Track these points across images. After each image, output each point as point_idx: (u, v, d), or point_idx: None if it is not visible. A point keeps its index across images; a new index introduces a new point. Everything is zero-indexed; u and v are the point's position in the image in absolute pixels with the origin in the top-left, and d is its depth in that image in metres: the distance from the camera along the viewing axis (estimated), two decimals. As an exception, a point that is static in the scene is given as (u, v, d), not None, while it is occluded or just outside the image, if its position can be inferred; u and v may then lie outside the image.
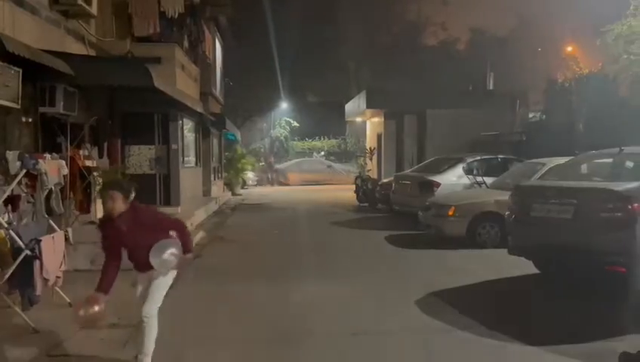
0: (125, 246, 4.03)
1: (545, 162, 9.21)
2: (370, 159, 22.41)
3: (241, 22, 22.97)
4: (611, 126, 11.10)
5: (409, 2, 34.57)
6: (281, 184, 27.25)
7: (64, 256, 5.64)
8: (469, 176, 11.19)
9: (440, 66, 30.04)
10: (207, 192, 16.76)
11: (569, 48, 25.86)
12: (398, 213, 12.88)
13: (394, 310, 5.73)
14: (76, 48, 9.17)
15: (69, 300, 5.56)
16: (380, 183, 15.90)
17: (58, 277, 5.45)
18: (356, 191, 16.95)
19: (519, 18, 33.90)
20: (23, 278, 5.02)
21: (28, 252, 5.00)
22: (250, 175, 25.81)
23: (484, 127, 16.96)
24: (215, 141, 19.08)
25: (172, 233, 4.13)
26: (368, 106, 19.99)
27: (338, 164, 29.10)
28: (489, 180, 10.64)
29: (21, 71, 6.49)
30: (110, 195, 3.93)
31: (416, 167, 14.77)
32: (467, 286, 6.69)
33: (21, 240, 5.07)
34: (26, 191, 5.89)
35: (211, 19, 17.92)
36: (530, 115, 19.72)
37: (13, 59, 6.22)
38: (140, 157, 12.40)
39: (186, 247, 4.09)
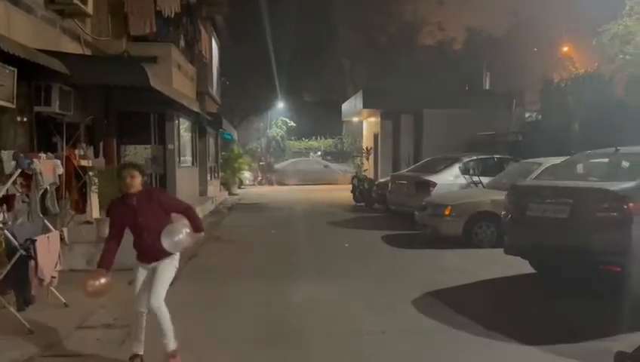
0: (135, 225, 4.11)
1: (541, 162, 9.25)
2: (367, 159, 22.43)
3: (238, 21, 22.95)
4: (607, 126, 11.12)
5: (405, 2, 34.52)
6: (278, 184, 27.25)
7: (59, 255, 5.62)
8: (466, 176, 11.23)
9: (436, 66, 30.02)
10: (203, 192, 16.72)
11: (565, 48, 26.00)
12: (394, 212, 12.90)
13: (390, 309, 5.73)
14: (72, 47, 9.15)
15: (64, 300, 5.55)
16: (376, 183, 15.93)
17: (53, 277, 5.42)
18: (353, 191, 16.98)
19: (515, 18, 33.98)
20: (18, 278, 5.00)
21: (23, 252, 4.98)
22: (246, 174, 25.81)
23: (480, 127, 16.99)
24: (211, 141, 19.06)
25: (179, 216, 4.25)
26: (365, 106, 20.01)
27: (335, 164, 29.14)
28: (485, 180, 10.67)
29: (16, 70, 6.47)
30: (130, 173, 4.12)
31: (412, 166, 14.78)
32: (463, 286, 6.70)
33: (16, 240, 5.05)
34: (20, 190, 5.87)
35: (208, 19, 17.91)
36: (527, 115, 19.78)
37: (8, 59, 6.19)
38: (136, 157, 12.31)
39: (197, 229, 4.25)
